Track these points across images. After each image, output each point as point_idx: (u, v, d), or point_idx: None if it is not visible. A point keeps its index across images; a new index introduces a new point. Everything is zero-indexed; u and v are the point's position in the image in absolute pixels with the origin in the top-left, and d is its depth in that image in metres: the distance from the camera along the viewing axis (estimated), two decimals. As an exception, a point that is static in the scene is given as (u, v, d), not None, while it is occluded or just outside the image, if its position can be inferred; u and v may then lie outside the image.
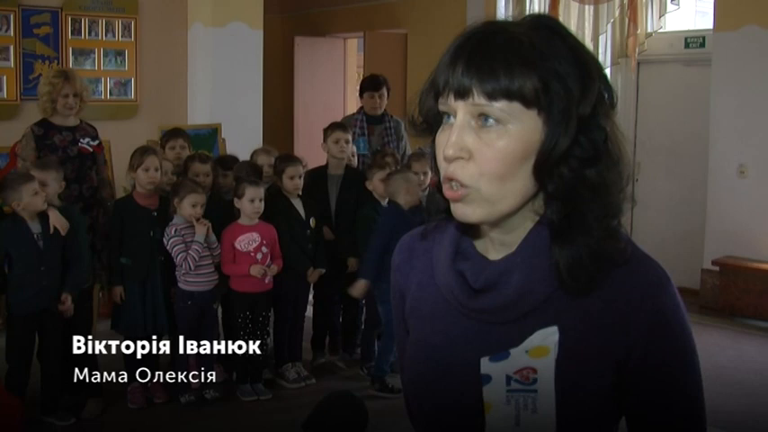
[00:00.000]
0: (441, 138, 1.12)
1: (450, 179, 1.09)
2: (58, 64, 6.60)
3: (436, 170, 1.15)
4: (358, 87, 6.38)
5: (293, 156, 5.25)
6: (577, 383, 1.11)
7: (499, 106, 1.06)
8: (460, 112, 1.08)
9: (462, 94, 1.07)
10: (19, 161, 4.79)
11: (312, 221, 5.02)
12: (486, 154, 1.07)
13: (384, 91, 6.01)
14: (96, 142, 4.89)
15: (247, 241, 4.74)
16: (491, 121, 1.07)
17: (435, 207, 1.22)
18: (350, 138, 5.42)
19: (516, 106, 1.06)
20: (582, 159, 1.09)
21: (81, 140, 4.82)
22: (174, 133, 5.37)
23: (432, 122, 1.15)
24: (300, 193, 5.05)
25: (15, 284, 4.18)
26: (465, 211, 1.11)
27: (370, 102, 6.00)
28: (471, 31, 1.11)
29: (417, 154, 5.51)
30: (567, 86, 1.07)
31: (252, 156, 5.39)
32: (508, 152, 1.07)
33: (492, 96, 1.06)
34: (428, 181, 5.14)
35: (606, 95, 1.11)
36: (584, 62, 1.10)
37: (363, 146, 5.89)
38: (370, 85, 6.06)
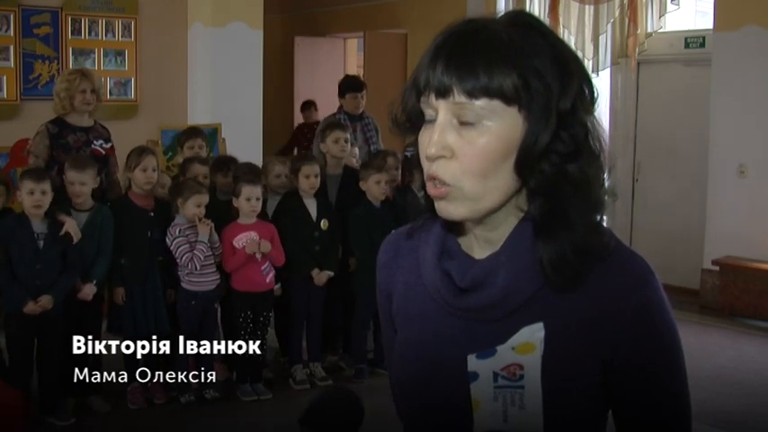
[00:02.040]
0: (423, 137, 1.12)
1: (434, 178, 1.10)
2: (57, 64, 6.60)
3: (421, 169, 1.15)
4: (338, 87, 6.53)
5: (310, 155, 5.25)
6: (564, 380, 1.11)
7: (480, 104, 1.06)
8: (442, 111, 1.09)
9: (443, 93, 1.08)
10: (31, 158, 4.78)
11: (323, 223, 4.99)
12: (467, 152, 1.08)
13: (365, 92, 6.25)
14: (109, 144, 4.92)
15: (246, 240, 4.74)
16: (472, 119, 1.07)
17: (421, 206, 1.22)
18: (349, 137, 5.43)
19: (497, 104, 1.07)
20: (563, 155, 1.09)
21: (94, 142, 4.87)
22: (192, 133, 5.39)
23: (415, 121, 1.15)
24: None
25: (12, 281, 4.19)
26: (448, 209, 1.11)
27: (353, 102, 6.23)
28: (451, 29, 1.11)
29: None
30: (547, 83, 1.07)
31: (266, 165, 5.36)
32: (490, 150, 1.08)
33: (472, 95, 1.06)
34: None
35: (587, 91, 1.12)
36: (564, 58, 1.10)
37: None
38: (353, 86, 6.31)
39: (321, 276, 4.97)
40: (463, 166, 1.08)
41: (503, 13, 1.14)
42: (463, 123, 1.08)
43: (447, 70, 1.07)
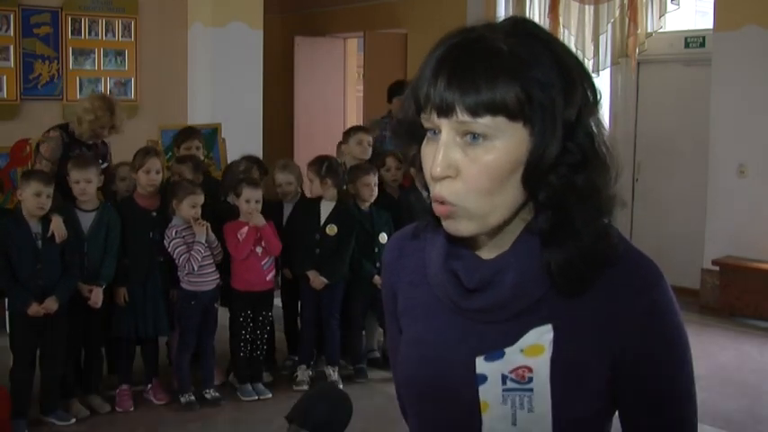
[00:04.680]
0: (427, 151, 1.10)
1: (439, 200, 1.09)
2: (57, 64, 6.60)
3: (424, 182, 1.14)
4: (386, 91, 6.65)
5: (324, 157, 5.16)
6: (572, 381, 1.11)
7: (484, 122, 1.05)
8: (445, 130, 1.07)
9: (445, 111, 1.06)
10: (45, 164, 4.78)
11: (330, 228, 4.92)
12: (472, 170, 1.06)
13: None
14: (105, 165, 4.92)
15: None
16: (477, 137, 1.06)
17: (426, 206, 1.20)
18: (371, 140, 5.45)
19: (501, 120, 1.05)
20: (570, 165, 1.08)
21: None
22: (188, 133, 5.36)
23: (414, 133, 1.13)
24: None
25: (15, 282, 4.19)
26: (456, 227, 1.10)
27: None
28: (450, 40, 1.09)
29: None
30: (550, 95, 1.06)
31: (274, 171, 5.29)
32: (495, 167, 1.06)
33: (475, 112, 1.04)
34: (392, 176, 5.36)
35: (589, 94, 1.10)
36: (566, 66, 1.09)
37: None
38: (402, 90, 6.22)
39: (316, 281, 4.91)
40: (468, 185, 1.06)
41: (502, 19, 1.12)
42: (468, 141, 1.06)
43: (449, 86, 1.05)
